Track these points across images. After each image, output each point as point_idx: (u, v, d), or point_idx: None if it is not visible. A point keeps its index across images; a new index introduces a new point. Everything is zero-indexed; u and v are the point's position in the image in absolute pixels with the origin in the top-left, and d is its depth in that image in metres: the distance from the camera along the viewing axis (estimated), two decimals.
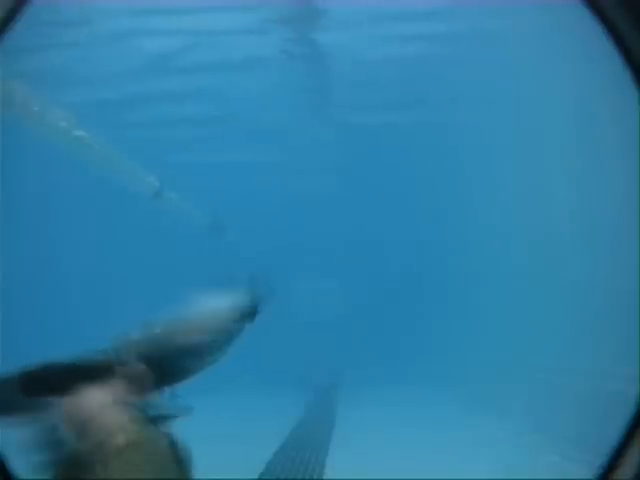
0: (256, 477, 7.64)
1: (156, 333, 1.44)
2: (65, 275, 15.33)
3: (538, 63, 10.89)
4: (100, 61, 12.03)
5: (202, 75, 12.92)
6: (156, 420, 1.25)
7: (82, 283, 15.86)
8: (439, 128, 14.89)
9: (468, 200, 15.77)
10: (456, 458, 8.19)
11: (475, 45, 11.28)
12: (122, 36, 11.23)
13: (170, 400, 1.35)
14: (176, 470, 1.13)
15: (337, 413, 12.35)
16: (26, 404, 1.14)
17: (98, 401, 1.15)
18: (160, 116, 14.65)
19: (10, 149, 10.15)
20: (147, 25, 10.94)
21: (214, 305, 1.65)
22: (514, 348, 12.58)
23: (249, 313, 1.80)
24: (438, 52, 11.92)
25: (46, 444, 1.10)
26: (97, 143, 11.90)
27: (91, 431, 1.11)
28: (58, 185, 14.49)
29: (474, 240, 15.58)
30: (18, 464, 1.25)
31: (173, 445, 1.15)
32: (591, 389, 9.01)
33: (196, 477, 1.28)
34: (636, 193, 7.97)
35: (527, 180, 12.96)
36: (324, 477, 7.81)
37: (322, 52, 12.18)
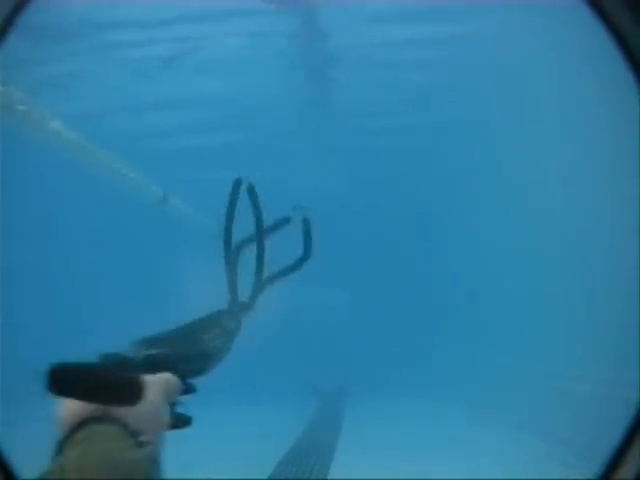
0: None
1: (167, 333, 1.43)
2: (68, 281, 15.37)
3: (540, 63, 10.90)
4: (100, 71, 12.09)
5: (203, 85, 12.97)
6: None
7: (85, 288, 15.88)
8: (444, 133, 14.91)
9: (475, 206, 15.76)
10: (460, 466, 8.18)
11: (478, 46, 11.30)
12: (121, 45, 11.30)
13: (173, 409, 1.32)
14: None
15: (343, 420, 12.34)
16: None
17: (84, 410, 1.13)
18: (162, 127, 14.71)
19: (11, 156, 10.19)
20: (146, 35, 11.00)
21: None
22: (518, 356, 12.55)
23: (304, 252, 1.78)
24: (440, 56, 11.95)
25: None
26: (99, 151, 11.96)
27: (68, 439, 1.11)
28: (59, 192, 14.53)
29: (479, 248, 15.58)
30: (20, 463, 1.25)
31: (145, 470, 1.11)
32: (596, 396, 8.97)
33: None
34: (637, 193, 7.96)
35: (529, 183, 12.96)
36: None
37: (325, 57, 12.23)
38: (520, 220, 13.23)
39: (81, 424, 1.10)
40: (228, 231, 1.74)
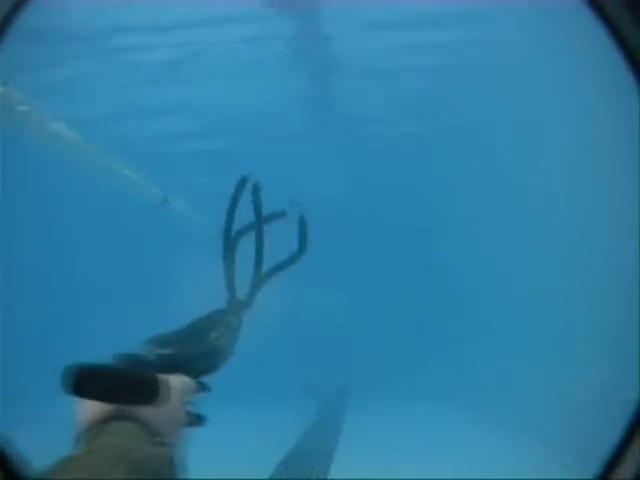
0: None
1: (177, 332, 1.43)
2: (68, 283, 15.36)
3: (540, 64, 10.90)
4: (101, 75, 12.08)
5: (204, 89, 12.94)
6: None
7: (85, 289, 15.88)
8: (445, 137, 14.92)
9: (475, 209, 15.75)
10: (459, 468, 8.18)
11: (478, 50, 11.29)
12: (122, 50, 11.29)
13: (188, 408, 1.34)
14: None
15: (344, 422, 12.33)
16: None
17: (101, 410, 1.14)
18: (163, 130, 14.71)
19: (11, 157, 10.19)
20: (148, 39, 10.99)
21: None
22: (518, 359, 12.54)
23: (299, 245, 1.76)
24: (441, 62, 11.95)
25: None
26: (100, 154, 11.95)
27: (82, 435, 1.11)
28: (59, 194, 14.53)
29: (479, 251, 15.59)
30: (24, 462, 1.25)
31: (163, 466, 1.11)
32: (596, 399, 8.96)
33: None
34: (636, 194, 7.96)
35: (529, 184, 12.95)
36: None
37: (326, 62, 12.22)
38: (520, 222, 13.23)
39: (100, 422, 1.11)
40: (228, 229, 1.73)
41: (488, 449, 9.41)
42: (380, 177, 17.67)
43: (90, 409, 1.14)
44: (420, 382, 14.49)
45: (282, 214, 1.77)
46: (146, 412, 1.14)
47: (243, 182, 1.74)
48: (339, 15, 10.50)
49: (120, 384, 1.12)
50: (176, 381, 1.23)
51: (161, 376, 1.17)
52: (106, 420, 1.11)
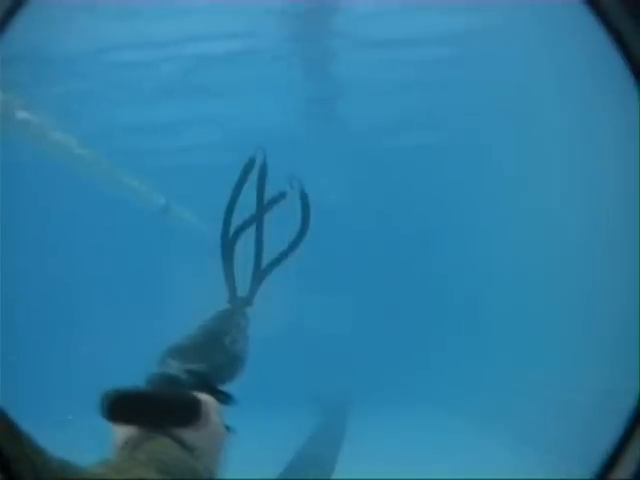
0: None
1: (194, 342, 1.39)
2: (69, 290, 15.35)
3: (541, 67, 10.91)
4: (104, 89, 12.08)
5: (207, 104, 12.95)
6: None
7: (86, 294, 15.86)
8: (446, 147, 14.95)
9: (478, 216, 15.77)
10: (459, 474, 8.14)
11: (478, 59, 11.32)
12: (124, 63, 11.29)
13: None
14: None
15: (346, 430, 12.30)
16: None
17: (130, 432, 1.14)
18: (165, 141, 14.70)
19: (11, 164, 10.18)
20: (149, 54, 11.00)
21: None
22: (519, 367, 12.53)
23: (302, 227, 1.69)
24: (442, 72, 12.01)
25: None
26: (100, 162, 11.95)
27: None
28: (59, 202, 14.52)
29: (481, 259, 15.63)
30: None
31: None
32: (595, 406, 8.92)
33: None
34: (636, 194, 7.95)
35: (529, 186, 12.95)
36: None
37: (329, 78, 12.27)
38: (519, 230, 13.24)
39: (137, 439, 1.11)
40: (227, 222, 1.67)
41: (488, 455, 9.38)
42: (383, 186, 17.81)
43: (127, 430, 1.13)
44: (421, 389, 14.47)
45: (282, 196, 1.70)
46: (185, 431, 1.14)
47: (251, 163, 1.65)
48: (341, 31, 10.56)
49: (161, 409, 1.12)
50: (210, 399, 1.23)
51: (201, 397, 1.17)
52: (144, 437, 1.11)
